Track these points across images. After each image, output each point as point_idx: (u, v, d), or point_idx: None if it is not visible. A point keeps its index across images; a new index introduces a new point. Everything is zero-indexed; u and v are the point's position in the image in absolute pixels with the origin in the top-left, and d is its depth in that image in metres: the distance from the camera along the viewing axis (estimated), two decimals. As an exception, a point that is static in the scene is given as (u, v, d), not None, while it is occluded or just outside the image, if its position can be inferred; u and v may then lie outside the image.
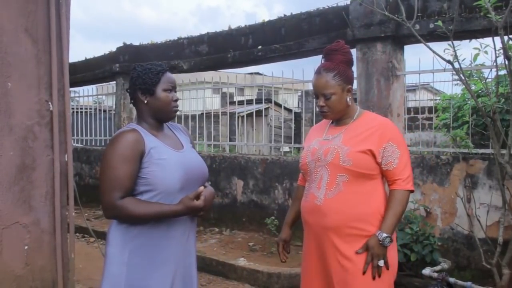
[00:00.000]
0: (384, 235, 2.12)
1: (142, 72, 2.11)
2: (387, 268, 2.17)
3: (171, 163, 2.03)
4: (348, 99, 2.26)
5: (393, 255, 2.24)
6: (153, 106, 2.11)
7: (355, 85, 5.26)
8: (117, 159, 1.97)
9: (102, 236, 5.95)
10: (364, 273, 2.13)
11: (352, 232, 2.16)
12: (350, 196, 2.18)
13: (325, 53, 2.32)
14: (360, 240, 2.16)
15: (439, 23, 3.74)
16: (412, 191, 2.25)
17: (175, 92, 2.19)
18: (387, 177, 2.24)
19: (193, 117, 7.55)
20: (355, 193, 2.19)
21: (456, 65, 3.72)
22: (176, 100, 2.16)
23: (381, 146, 2.19)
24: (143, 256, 2.01)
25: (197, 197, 2.00)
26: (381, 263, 2.13)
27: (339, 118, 2.32)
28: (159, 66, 2.15)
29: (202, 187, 2.02)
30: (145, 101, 2.11)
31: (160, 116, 2.14)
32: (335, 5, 5.49)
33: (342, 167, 2.18)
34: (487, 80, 4.48)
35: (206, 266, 4.90)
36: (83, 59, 9.07)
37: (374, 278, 2.13)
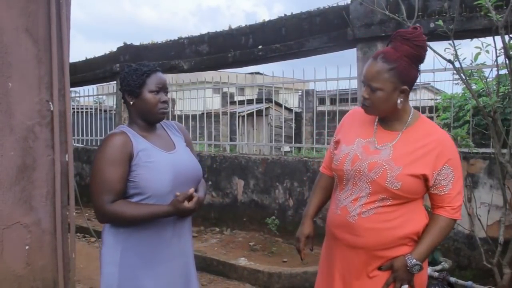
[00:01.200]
0: (414, 261, 1.90)
1: (128, 73, 2.09)
2: None
3: (159, 166, 2.02)
4: (399, 101, 1.91)
5: (423, 275, 2.02)
6: (139, 108, 2.09)
7: (355, 84, 5.30)
8: (105, 162, 1.97)
9: (102, 236, 5.95)
10: None
11: (385, 254, 1.95)
12: (387, 218, 1.92)
13: (393, 36, 1.94)
14: (390, 257, 1.95)
15: (440, 22, 3.74)
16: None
17: (165, 92, 2.12)
18: (434, 200, 1.98)
19: (194, 117, 7.56)
20: (394, 215, 1.93)
21: (457, 64, 3.72)
22: (165, 102, 2.10)
23: (436, 169, 1.90)
24: (134, 256, 2.02)
25: (189, 198, 1.98)
26: (404, 287, 1.93)
27: (384, 118, 2.01)
28: (146, 66, 2.09)
29: (192, 189, 1.99)
30: (131, 103, 2.10)
31: (147, 118, 2.11)
32: (335, 5, 5.50)
33: (387, 190, 1.89)
34: (488, 80, 4.48)
35: (206, 266, 4.90)
36: (84, 59, 9.08)
37: None
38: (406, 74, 1.88)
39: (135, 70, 2.08)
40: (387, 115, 1.98)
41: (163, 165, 2.03)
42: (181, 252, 2.15)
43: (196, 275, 2.27)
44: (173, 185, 2.02)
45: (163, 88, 2.11)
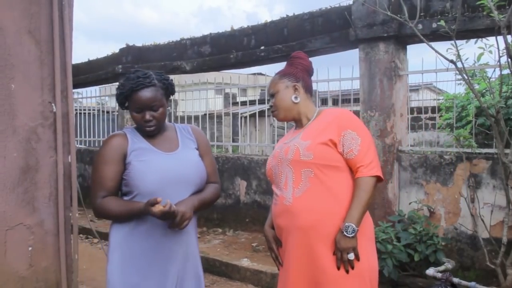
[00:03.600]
0: (347, 224, 2.03)
1: (117, 90, 2.14)
2: (358, 260, 2.05)
3: (149, 165, 2.05)
4: (293, 97, 2.26)
5: (372, 259, 2.15)
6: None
7: (357, 85, 5.30)
8: (100, 161, 2.08)
9: (105, 237, 5.92)
10: (338, 268, 2.05)
11: (325, 230, 2.08)
12: (318, 191, 2.11)
13: (288, 61, 2.39)
14: (333, 238, 2.07)
15: (442, 22, 3.74)
16: (378, 178, 2.13)
17: (152, 109, 2.07)
18: (351, 167, 2.15)
19: (196, 118, 7.56)
20: (323, 188, 2.11)
21: (459, 64, 3.71)
22: (148, 121, 2.07)
23: (340, 135, 2.13)
24: (131, 256, 2.06)
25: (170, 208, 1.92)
26: (350, 256, 2.04)
27: (292, 118, 2.32)
28: (127, 85, 2.07)
29: (166, 200, 1.92)
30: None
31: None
32: (337, 5, 5.50)
33: (304, 162, 2.12)
34: (491, 80, 4.47)
35: (209, 266, 4.90)
36: (86, 60, 9.09)
37: (347, 271, 2.04)
38: (293, 74, 2.29)
39: (119, 87, 2.11)
40: (294, 115, 2.30)
41: (153, 164, 2.05)
42: (182, 256, 2.13)
43: (200, 279, 2.23)
44: (159, 185, 2.02)
45: (146, 107, 2.06)
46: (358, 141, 2.13)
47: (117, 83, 8.17)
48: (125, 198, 2.08)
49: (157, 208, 1.89)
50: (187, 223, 2.01)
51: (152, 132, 2.12)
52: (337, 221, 2.08)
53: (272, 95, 2.31)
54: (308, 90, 2.33)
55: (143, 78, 2.06)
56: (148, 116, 2.07)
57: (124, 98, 2.10)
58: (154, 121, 2.09)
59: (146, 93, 2.05)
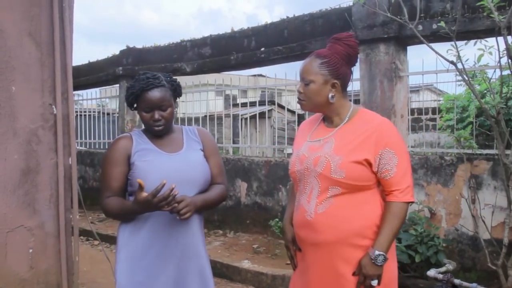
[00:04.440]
0: (377, 253, 1.92)
1: (127, 89, 2.18)
2: (379, 284, 1.96)
3: (151, 164, 2.10)
4: (330, 95, 2.03)
5: (392, 269, 2.06)
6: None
7: (357, 86, 5.30)
8: (105, 163, 2.16)
9: (106, 239, 5.96)
10: None
11: (347, 249, 1.97)
12: (342, 210, 1.97)
13: (328, 40, 2.11)
14: (355, 256, 1.97)
15: (442, 23, 3.74)
16: (412, 203, 2.04)
17: (161, 109, 2.13)
18: (383, 187, 2.02)
19: (197, 119, 7.56)
20: (348, 206, 1.97)
21: (460, 65, 3.71)
22: (157, 120, 2.12)
23: (377, 153, 1.96)
24: (137, 255, 2.10)
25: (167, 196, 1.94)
26: (374, 283, 1.94)
27: (321, 113, 2.15)
28: (137, 85, 2.11)
29: (163, 181, 1.93)
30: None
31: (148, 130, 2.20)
32: (337, 7, 5.49)
33: (333, 180, 1.96)
34: (491, 81, 4.47)
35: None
36: (87, 62, 9.11)
37: None
38: (336, 69, 2.02)
39: (130, 88, 2.15)
40: (325, 111, 2.11)
41: (155, 164, 2.10)
42: (182, 253, 2.14)
43: (202, 282, 2.21)
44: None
45: (155, 106, 2.12)
46: (396, 161, 1.97)
47: (118, 85, 8.22)
48: (131, 198, 2.13)
49: (143, 194, 1.93)
50: (190, 214, 2.01)
51: (160, 132, 2.17)
52: (360, 240, 1.97)
53: (304, 81, 2.07)
54: (346, 86, 2.10)
55: (152, 79, 2.12)
56: (157, 115, 2.12)
57: (134, 99, 2.15)
58: (163, 120, 2.14)
59: (156, 93, 2.11)
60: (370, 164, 1.96)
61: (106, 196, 2.12)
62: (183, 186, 2.06)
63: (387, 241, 1.94)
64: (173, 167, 2.11)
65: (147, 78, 2.12)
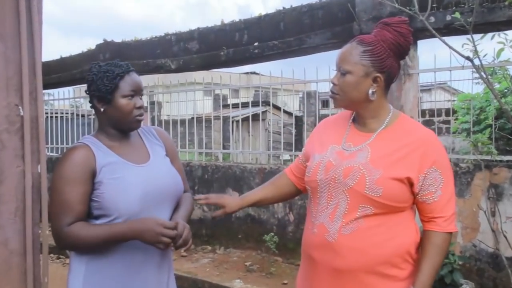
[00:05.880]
0: None
1: (97, 76, 2.03)
2: None
3: (126, 182, 1.95)
4: (370, 91, 1.88)
5: None
6: (111, 115, 2.04)
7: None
8: (63, 182, 1.96)
9: (80, 256, 5.91)
10: None
11: (371, 278, 1.86)
12: (372, 233, 1.85)
13: (376, 25, 1.96)
14: (380, 286, 1.87)
15: (457, 14, 3.74)
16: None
17: (140, 95, 2.07)
18: (422, 211, 1.91)
19: (183, 122, 7.53)
20: (380, 230, 1.85)
21: (477, 61, 3.71)
22: (140, 107, 2.04)
23: (422, 172, 1.83)
24: (96, 286, 1.99)
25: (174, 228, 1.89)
26: None
27: (359, 116, 1.99)
28: (118, 67, 2.02)
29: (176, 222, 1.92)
30: (102, 110, 2.05)
31: (121, 127, 2.06)
32: (340, -4, 5.50)
33: (366, 197, 1.82)
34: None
35: (197, 289, 4.86)
36: (58, 57, 9.07)
37: None
38: (381, 60, 1.87)
39: (106, 72, 2.01)
40: (361, 111, 1.96)
41: (131, 181, 1.97)
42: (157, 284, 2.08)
43: None
44: (142, 204, 1.95)
45: (138, 91, 2.05)
46: (441, 183, 1.85)
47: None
48: (97, 222, 1.98)
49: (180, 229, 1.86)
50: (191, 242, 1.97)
51: (139, 125, 2.07)
52: (390, 270, 1.86)
53: (340, 70, 1.92)
54: (390, 83, 1.96)
55: (125, 64, 2.06)
56: (140, 102, 2.04)
57: (115, 85, 2.00)
58: (142, 110, 2.05)
59: (137, 77, 2.06)
60: (411, 184, 1.84)
61: (66, 222, 1.93)
62: (162, 202, 2.02)
63: (429, 279, 1.83)
64: (148, 182, 2.00)
65: (116, 64, 2.04)
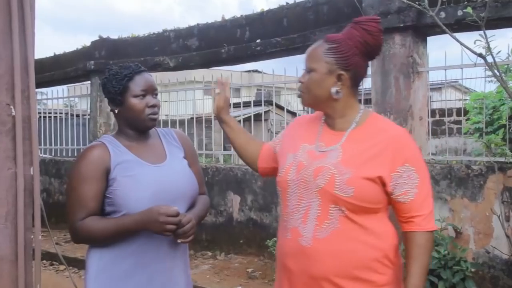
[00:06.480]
0: None
1: (108, 79, 2.15)
2: None
3: (139, 180, 2.07)
4: (333, 90, 1.90)
5: None
6: (125, 116, 2.16)
7: (368, 83, 5.29)
8: (78, 179, 2.09)
9: (74, 263, 5.91)
10: None
11: (349, 284, 1.85)
12: (348, 237, 1.85)
13: (348, 24, 1.99)
14: None
15: (469, 9, 3.73)
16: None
17: (154, 94, 2.16)
18: (399, 211, 1.91)
19: (182, 122, 7.53)
20: (355, 233, 1.86)
21: (490, 58, 3.71)
22: (153, 106, 2.14)
23: (393, 170, 1.85)
24: (115, 283, 2.07)
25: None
26: None
27: (328, 116, 2.01)
28: (126, 69, 2.13)
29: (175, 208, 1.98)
30: (116, 111, 2.17)
31: (136, 126, 2.17)
32: (346, -9, 5.50)
33: (337, 198, 1.83)
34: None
35: (197, 297, 4.86)
36: (52, 55, 9.10)
37: None
38: (345, 57, 1.89)
39: (115, 75, 2.12)
40: (327, 110, 1.99)
41: (143, 179, 2.07)
42: (171, 280, 2.15)
43: None
44: (153, 202, 2.02)
45: (150, 91, 2.14)
46: (416, 181, 1.87)
47: (89, 82, 8.19)
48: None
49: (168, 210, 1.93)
50: (193, 236, 2.03)
51: (154, 123, 2.17)
52: (369, 275, 1.86)
53: (306, 68, 1.97)
54: (357, 83, 1.98)
55: (134, 65, 2.16)
56: (154, 100, 2.14)
57: (123, 86, 2.10)
58: (157, 108, 2.15)
59: (149, 76, 2.16)
60: (383, 184, 1.86)
61: (79, 218, 2.05)
62: (174, 202, 2.06)
63: (421, 281, 1.85)
64: (161, 181, 2.10)
65: (126, 66, 2.15)
